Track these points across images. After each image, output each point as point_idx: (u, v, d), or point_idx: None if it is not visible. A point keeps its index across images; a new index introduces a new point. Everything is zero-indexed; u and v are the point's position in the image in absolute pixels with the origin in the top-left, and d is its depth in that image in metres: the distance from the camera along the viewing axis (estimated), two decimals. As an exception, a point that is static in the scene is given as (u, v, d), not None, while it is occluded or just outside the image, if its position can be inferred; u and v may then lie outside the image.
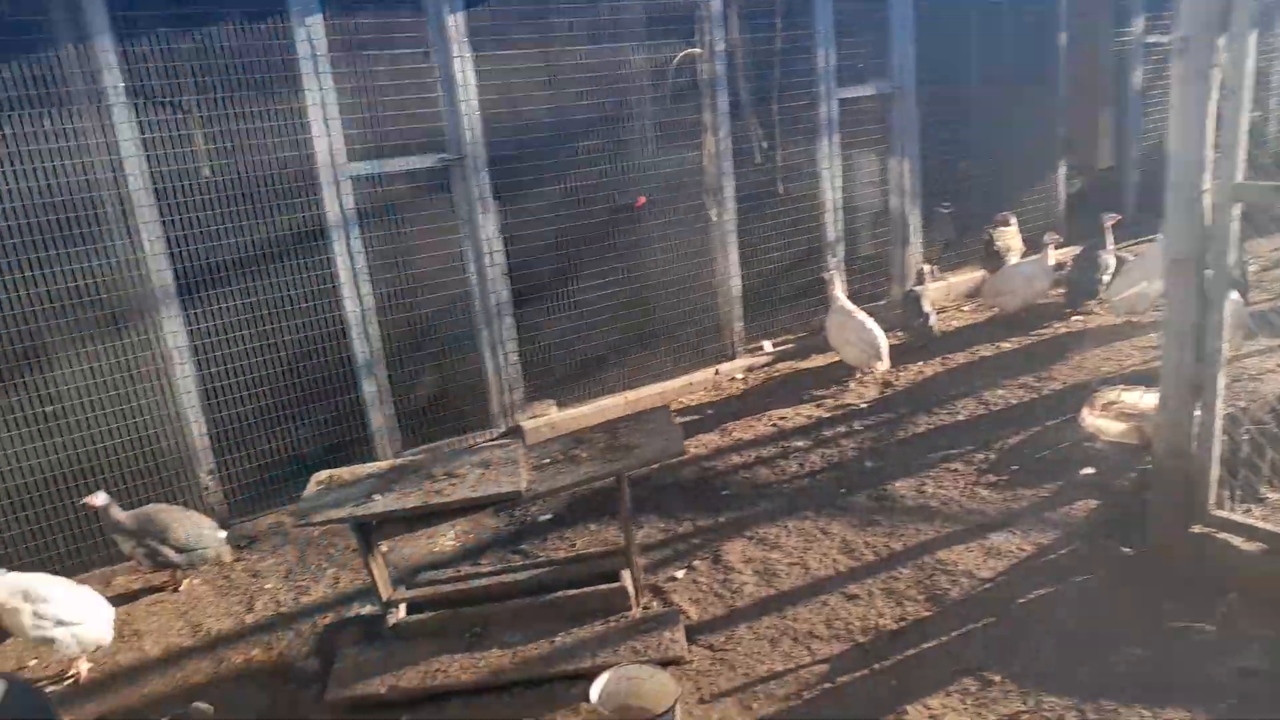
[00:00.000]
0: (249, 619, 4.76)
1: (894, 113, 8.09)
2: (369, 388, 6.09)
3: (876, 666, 3.86)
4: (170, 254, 5.32)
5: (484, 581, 4.62)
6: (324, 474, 4.45)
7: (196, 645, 4.58)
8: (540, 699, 3.91)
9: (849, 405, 6.72)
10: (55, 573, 4.64)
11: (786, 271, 7.86)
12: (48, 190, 5.02)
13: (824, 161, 7.78)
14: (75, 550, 5.28)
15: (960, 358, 7.37)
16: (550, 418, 6.83)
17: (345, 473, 4.46)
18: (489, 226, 6.32)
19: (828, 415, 6.59)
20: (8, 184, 4.89)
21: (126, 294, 5.38)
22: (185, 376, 5.44)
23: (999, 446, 5.68)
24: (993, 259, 8.52)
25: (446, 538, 5.43)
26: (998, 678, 3.67)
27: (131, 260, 5.28)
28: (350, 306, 5.93)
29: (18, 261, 4.98)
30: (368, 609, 4.69)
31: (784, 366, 7.70)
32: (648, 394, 7.14)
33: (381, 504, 4.06)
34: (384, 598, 4.37)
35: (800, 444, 6.15)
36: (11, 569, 4.38)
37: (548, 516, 5.59)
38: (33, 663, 4.60)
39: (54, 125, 4.98)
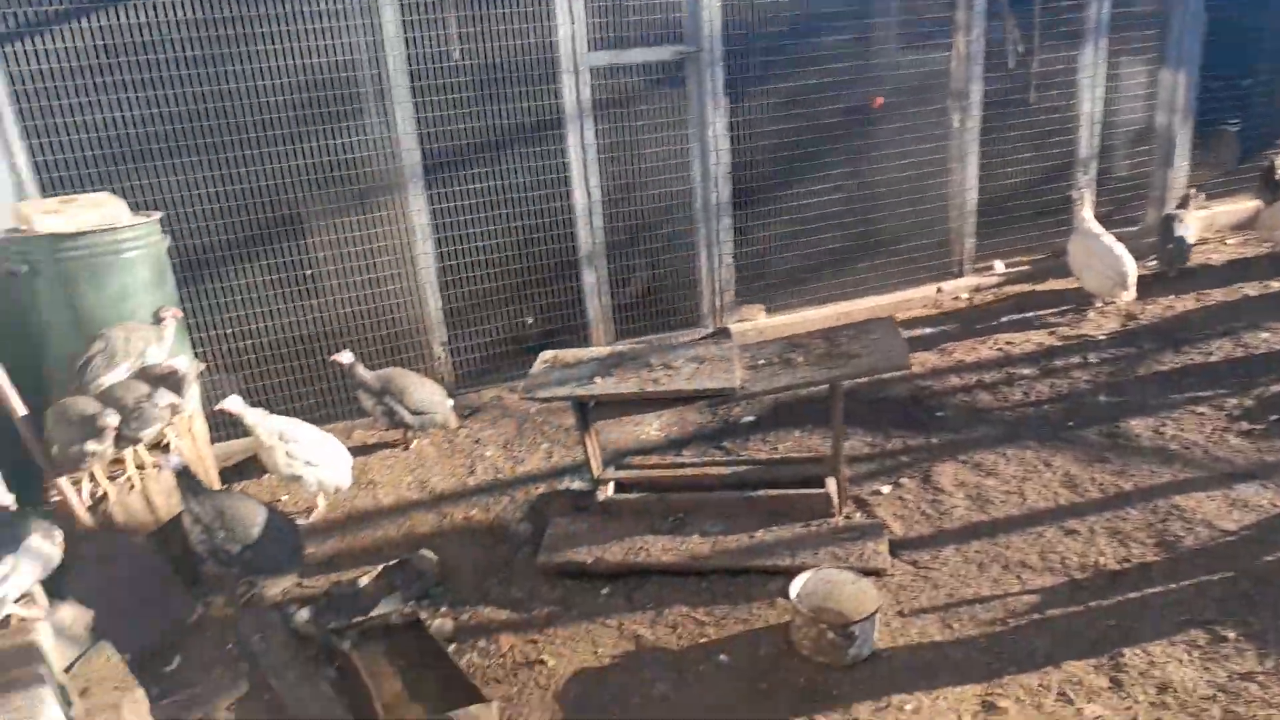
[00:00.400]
0: (470, 481, 5.13)
1: (1175, 17, 7.20)
2: (589, 277, 6.26)
3: (1092, 604, 3.66)
4: (419, 134, 5.61)
5: (689, 471, 4.73)
6: (549, 354, 4.65)
7: (423, 499, 4.99)
8: (737, 588, 3.99)
9: (1085, 335, 6.24)
10: (306, 421, 5.18)
11: (1029, 187, 7.31)
12: (313, 69, 5.40)
13: (1085, 70, 7.09)
14: (323, 403, 5.83)
15: (1218, 294, 6.65)
16: (758, 323, 6.79)
17: (568, 354, 4.64)
18: (718, 123, 6.24)
19: (1060, 344, 6.16)
20: (277, 61, 5.29)
21: (378, 171, 5.75)
22: (425, 253, 5.79)
23: (1257, 393, 5.13)
24: (1272, 189, 7.54)
25: (652, 427, 5.57)
26: (1232, 634, 3.39)
27: (385, 139, 5.62)
28: (579, 197, 6.07)
29: (283, 135, 5.42)
30: (577, 484, 4.93)
31: (1015, 289, 7.24)
32: (861, 307, 6.94)
33: (601, 386, 4.20)
34: (595, 474, 4.56)
35: (1027, 371, 5.80)
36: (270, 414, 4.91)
37: (750, 418, 5.61)
38: (284, 497, 5.18)
39: (324, 6, 5.31)
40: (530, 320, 6.18)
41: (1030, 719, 3.16)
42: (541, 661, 3.67)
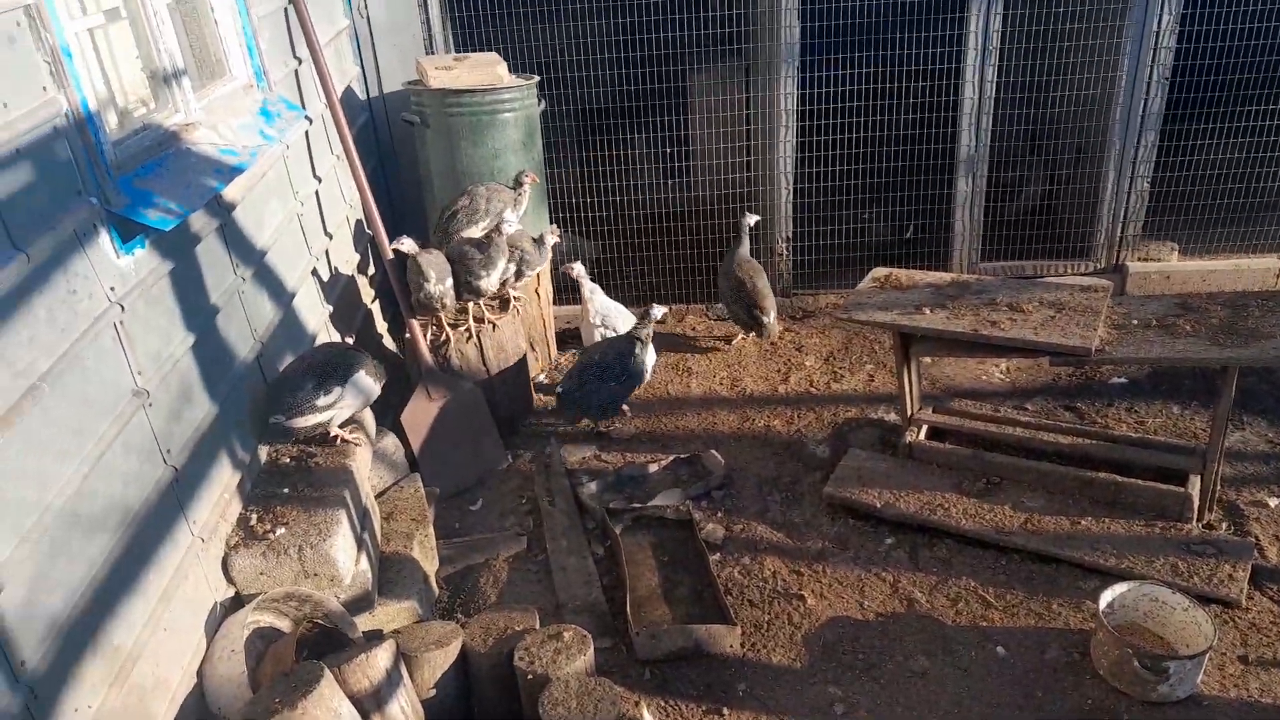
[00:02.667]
0: (780, 389, 4.95)
1: None
2: (963, 186, 5.59)
3: None
4: (803, 9, 5.21)
5: (1019, 431, 4.14)
6: (882, 271, 4.24)
7: (730, 398, 4.92)
8: (1039, 576, 3.48)
9: None
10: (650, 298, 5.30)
11: None
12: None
13: None
14: (668, 282, 5.90)
15: None
16: (1166, 264, 5.68)
17: (903, 275, 4.19)
18: (1165, 15, 5.10)
19: None
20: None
21: (758, 48, 5.49)
22: (785, 141, 5.49)
23: None
24: None
25: (998, 369, 4.96)
26: None
27: (768, 12, 5.32)
28: (968, 93, 5.36)
29: (674, 3, 5.32)
30: (890, 416, 4.55)
31: None
32: (1315, 266, 5.52)
33: (928, 319, 3.75)
34: (908, 414, 4.16)
35: None
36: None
37: (1121, 380, 4.77)
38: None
39: None
40: (882, 227, 5.69)
41: None
42: (801, 597, 3.49)
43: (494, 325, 4.56)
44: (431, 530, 3.58)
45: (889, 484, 3.91)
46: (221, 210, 3.17)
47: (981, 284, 4.06)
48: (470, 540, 3.84)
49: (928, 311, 3.78)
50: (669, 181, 5.92)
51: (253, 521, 2.99)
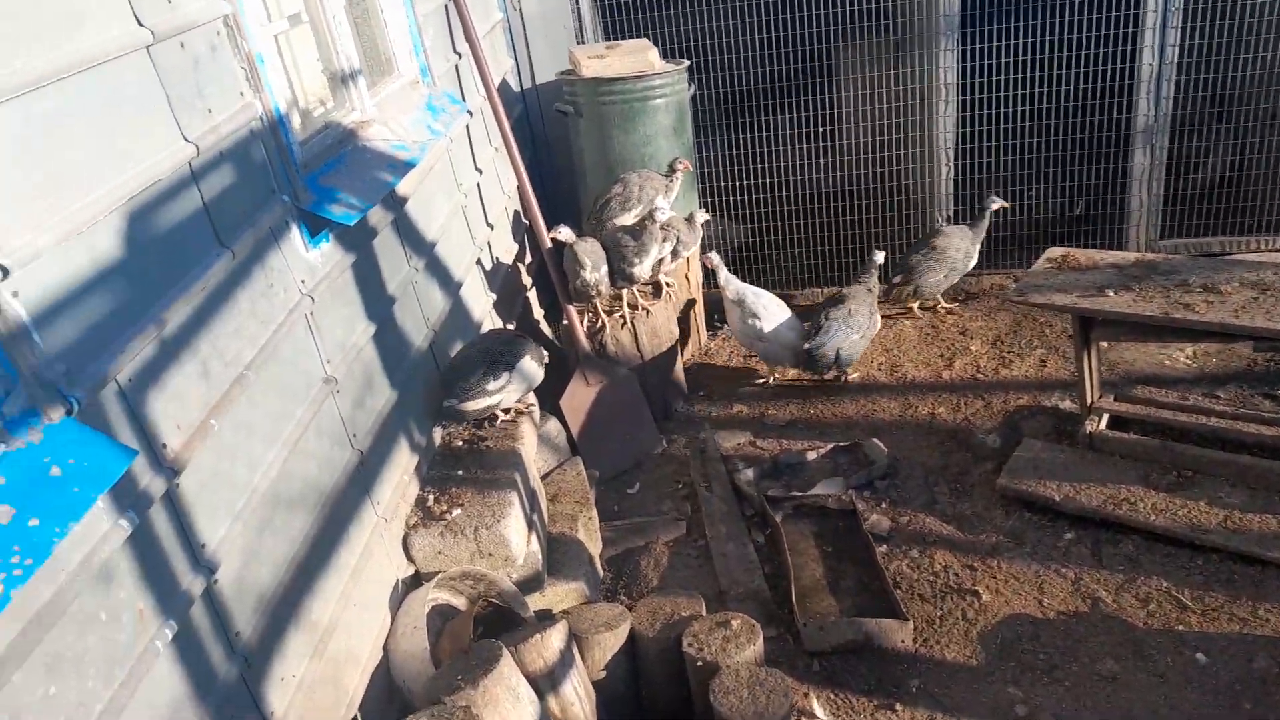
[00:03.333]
0: (945, 374, 4.76)
1: None
2: (1140, 159, 5.22)
3: None
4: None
5: (1213, 421, 3.84)
6: (1058, 251, 4.01)
7: (889, 384, 4.76)
8: (1243, 578, 3.22)
9: None
10: (795, 281, 5.20)
11: None
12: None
13: None
14: (819, 265, 5.78)
15: None
16: (1381, 238, 5.15)
17: (1081, 255, 3.95)
18: (1376, -37, 4.61)
19: None
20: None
21: (913, 21, 5.29)
22: (945, 116, 5.27)
23: None
24: None
25: (1183, 354, 4.61)
26: None
27: (923, -16, 5.12)
28: (1147, 59, 5.00)
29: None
30: (1066, 404, 4.30)
31: None
32: None
33: (1113, 302, 3.52)
34: (1088, 401, 3.92)
35: None
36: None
37: (1331, 365, 4.35)
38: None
39: None
40: (1052, 204, 5.37)
41: None
42: (975, 593, 3.35)
43: (647, 311, 4.57)
44: (594, 513, 3.63)
45: (1068, 476, 3.69)
46: (395, 204, 3.29)
47: (1170, 263, 3.77)
48: (631, 523, 3.87)
49: (1111, 294, 3.54)
50: (818, 162, 5.78)
51: (430, 502, 3.09)
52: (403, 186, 3.35)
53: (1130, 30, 4.95)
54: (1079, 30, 4.96)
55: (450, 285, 3.79)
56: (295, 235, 2.58)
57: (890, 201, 5.60)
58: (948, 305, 5.27)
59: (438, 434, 3.44)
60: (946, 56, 5.12)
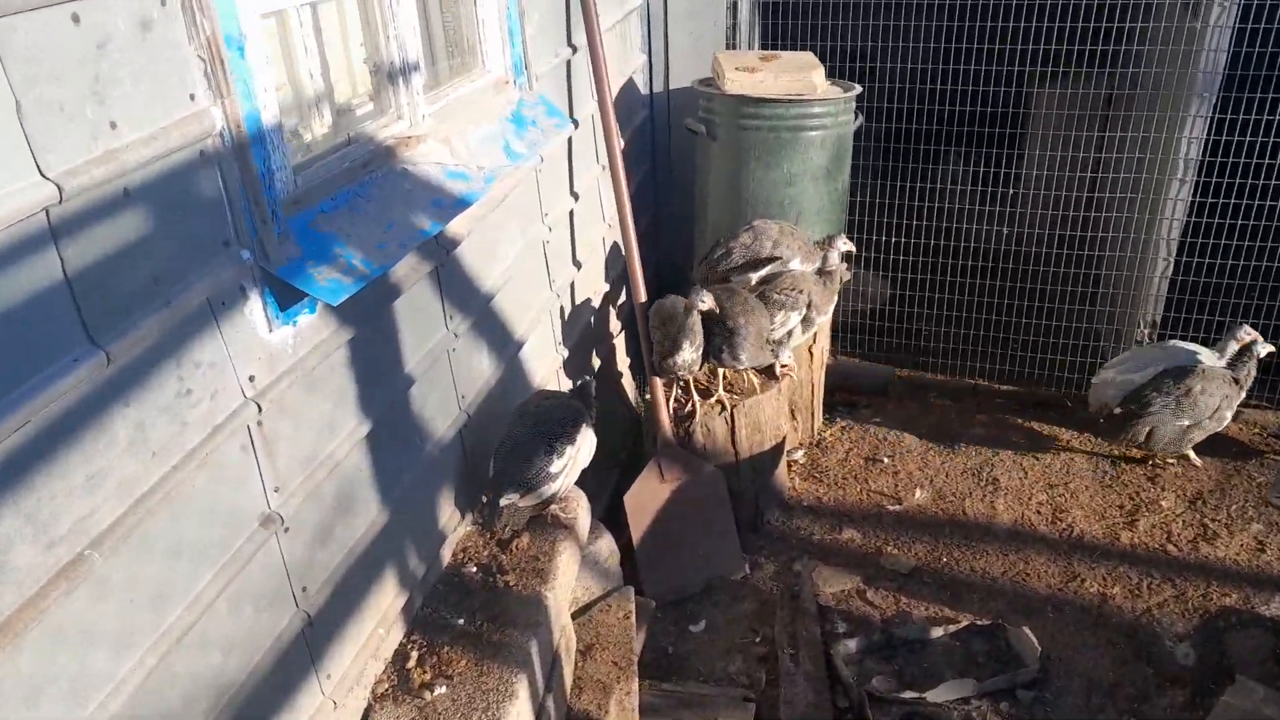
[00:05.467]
0: (1124, 537, 3.66)
1: None
2: None
3: None
4: (1240, 29, 3.81)
5: None
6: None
7: (1051, 538, 3.70)
8: None
9: None
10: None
11: None
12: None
13: None
14: (985, 348, 4.72)
15: None
16: None
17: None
18: None
19: None
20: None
21: (1148, 72, 4.16)
22: (1177, 199, 4.11)
23: None
24: None
25: None
26: None
27: (1175, 28, 3.96)
28: None
29: (1031, 7, 4.10)
30: (1297, 625, 3.19)
31: None
32: None
33: None
34: (1340, 645, 2.81)
35: None
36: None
37: None
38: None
39: None
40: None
41: None
42: None
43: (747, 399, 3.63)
44: (635, 686, 2.74)
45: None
46: (440, 248, 2.45)
47: None
48: (683, 693, 2.97)
49: None
50: (990, 229, 4.72)
51: (411, 663, 2.28)
52: (457, 225, 2.51)
53: None
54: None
55: (507, 347, 2.95)
56: (252, 309, 1.76)
57: (1077, 293, 4.48)
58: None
59: (448, 550, 2.62)
60: (1195, 122, 3.96)
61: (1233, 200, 4.02)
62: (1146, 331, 4.36)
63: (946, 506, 3.89)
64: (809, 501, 3.96)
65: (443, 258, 2.47)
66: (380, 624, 2.24)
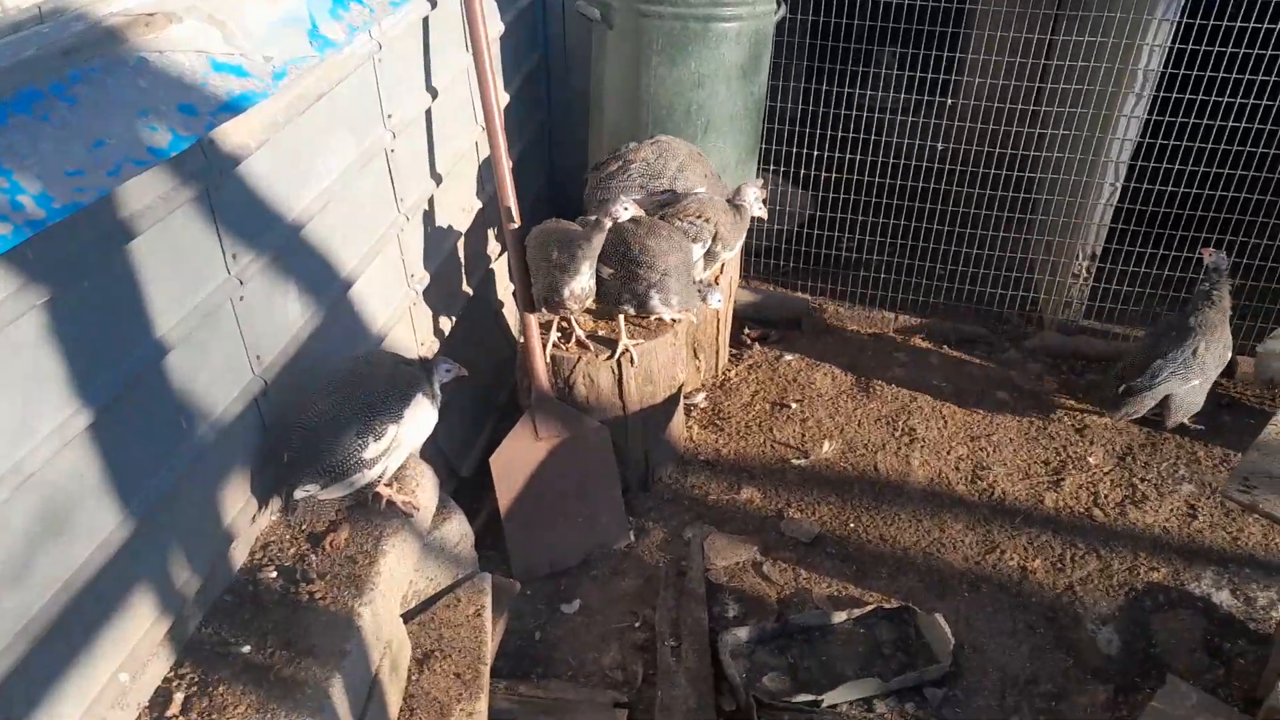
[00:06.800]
0: (1048, 499, 3.30)
1: None
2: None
3: None
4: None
5: None
6: None
7: (969, 500, 3.35)
8: None
9: None
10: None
11: None
12: None
13: None
14: (927, 281, 4.26)
15: None
16: None
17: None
18: None
19: None
20: None
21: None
22: (1131, 115, 3.62)
23: None
24: None
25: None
26: None
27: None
28: None
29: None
30: (1224, 597, 2.90)
31: None
32: None
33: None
34: (1281, 644, 2.51)
35: None
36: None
37: None
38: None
39: None
40: (1259, 270, 3.77)
41: None
42: None
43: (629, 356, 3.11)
44: (483, 701, 2.28)
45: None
46: (211, 166, 1.84)
47: None
48: (544, 699, 2.53)
49: None
50: (923, 144, 4.22)
51: (173, 709, 1.79)
52: (236, 134, 1.89)
53: None
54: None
55: (329, 286, 2.36)
56: None
57: (1014, 219, 4.03)
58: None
59: (242, 549, 2.10)
60: (1159, 31, 3.46)
61: (1191, 120, 3.58)
62: (1085, 265, 3.96)
63: (857, 461, 3.49)
64: (707, 455, 3.52)
65: (215, 179, 1.86)
66: (125, 666, 1.72)
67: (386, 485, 2.28)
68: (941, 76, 3.87)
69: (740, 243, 3.33)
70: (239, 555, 2.09)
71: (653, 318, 3.09)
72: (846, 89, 3.92)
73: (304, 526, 2.20)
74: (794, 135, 4.05)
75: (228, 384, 1.98)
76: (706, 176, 3.24)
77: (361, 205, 2.51)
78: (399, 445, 2.22)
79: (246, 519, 2.10)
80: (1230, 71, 3.41)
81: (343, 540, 2.18)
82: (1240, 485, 2.22)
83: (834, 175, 4.08)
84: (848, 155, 3.99)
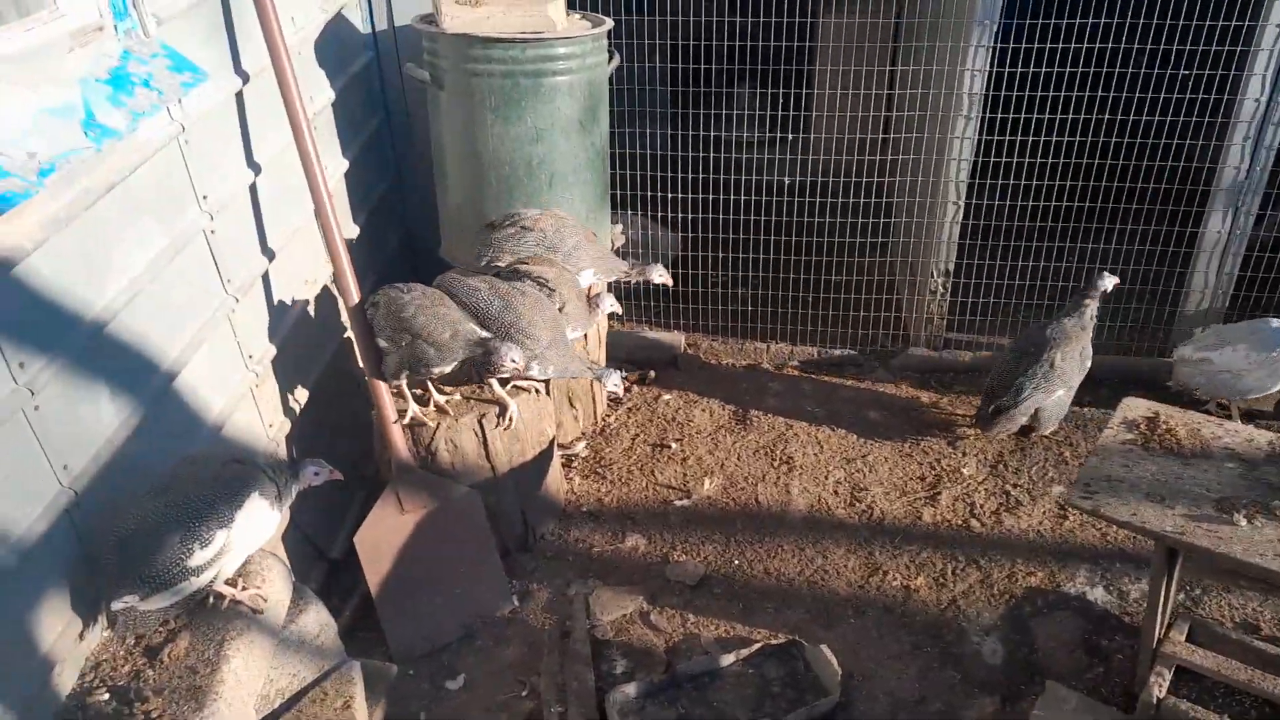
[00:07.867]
0: (926, 515, 3.34)
1: None
2: (1215, 225, 3.82)
3: None
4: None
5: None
6: (1141, 408, 2.61)
7: (849, 523, 3.36)
8: None
9: None
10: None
11: None
12: None
13: None
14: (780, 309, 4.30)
15: None
16: None
17: (1179, 422, 2.54)
18: None
19: None
20: None
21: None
22: (963, 136, 3.76)
23: None
24: None
25: None
26: None
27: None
28: (1252, 92, 3.55)
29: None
30: (1098, 594, 2.97)
31: None
32: None
33: (1248, 543, 2.13)
34: (1152, 642, 2.56)
35: None
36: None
37: None
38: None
39: None
40: (1089, 272, 3.92)
41: None
42: None
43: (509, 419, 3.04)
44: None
45: None
46: (-17, 269, 1.71)
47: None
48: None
49: (1242, 520, 2.15)
50: (779, 179, 4.31)
51: None
52: (7, 233, 1.77)
53: (1239, 49, 3.51)
54: (1167, 40, 3.48)
55: (147, 382, 2.23)
56: None
57: (874, 244, 4.12)
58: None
59: (69, 673, 1.94)
60: (976, 56, 3.61)
61: (1019, 137, 3.75)
62: (941, 281, 4.07)
63: (739, 495, 3.48)
64: (590, 505, 3.45)
65: (-11, 281, 1.73)
66: (-84, 830, 1.55)
67: (229, 584, 2.15)
68: (793, 113, 3.96)
69: (587, 330, 3.32)
70: (66, 680, 1.93)
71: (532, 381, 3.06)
72: (704, 132, 3.99)
73: (138, 640, 2.05)
74: (657, 180, 4.07)
75: (27, 501, 1.84)
76: (596, 260, 3.25)
77: (180, 292, 2.39)
78: (230, 549, 2.09)
79: (70, 640, 1.94)
80: (1048, 90, 3.59)
81: (182, 650, 2.03)
82: (1082, 492, 2.26)
83: (699, 216, 4.11)
84: (711, 196, 4.04)
